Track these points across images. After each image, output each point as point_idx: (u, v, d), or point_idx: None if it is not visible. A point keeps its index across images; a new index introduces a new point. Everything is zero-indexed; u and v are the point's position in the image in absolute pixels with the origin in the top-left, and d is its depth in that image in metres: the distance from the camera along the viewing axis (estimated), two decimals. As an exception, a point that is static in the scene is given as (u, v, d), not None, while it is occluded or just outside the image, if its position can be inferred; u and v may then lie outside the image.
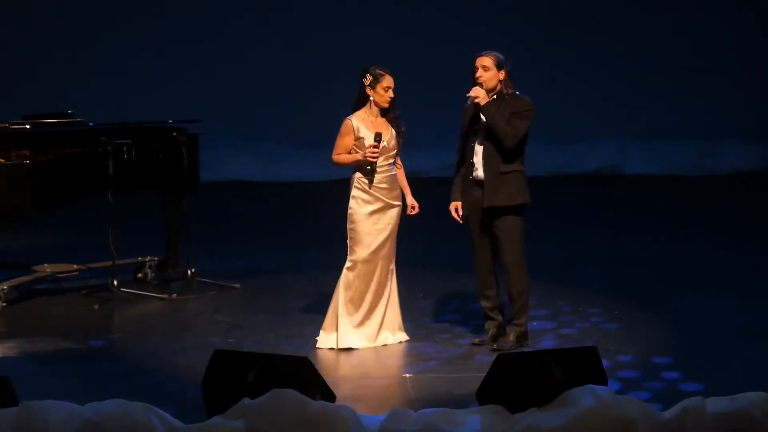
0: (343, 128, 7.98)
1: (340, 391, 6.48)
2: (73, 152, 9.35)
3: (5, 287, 9.15)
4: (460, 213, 7.89)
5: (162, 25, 16.24)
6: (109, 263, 9.42)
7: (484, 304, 7.98)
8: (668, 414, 5.58)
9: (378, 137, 7.87)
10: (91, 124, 9.80)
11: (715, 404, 5.61)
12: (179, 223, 10.03)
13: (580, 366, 5.72)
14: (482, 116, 7.73)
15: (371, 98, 7.95)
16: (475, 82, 7.77)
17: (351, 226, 7.99)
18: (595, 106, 16.57)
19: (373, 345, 7.99)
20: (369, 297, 7.99)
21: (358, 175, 7.99)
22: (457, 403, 6.27)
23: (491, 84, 7.76)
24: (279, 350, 7.71)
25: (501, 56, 7.80)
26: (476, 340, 8.02)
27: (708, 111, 16.62)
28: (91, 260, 9.99)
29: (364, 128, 7.94)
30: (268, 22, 16.43)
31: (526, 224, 7.85)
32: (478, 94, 7.71)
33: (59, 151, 9.32)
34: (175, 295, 9.47)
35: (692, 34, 16.85)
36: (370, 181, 7.95)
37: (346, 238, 8.01)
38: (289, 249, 11.40)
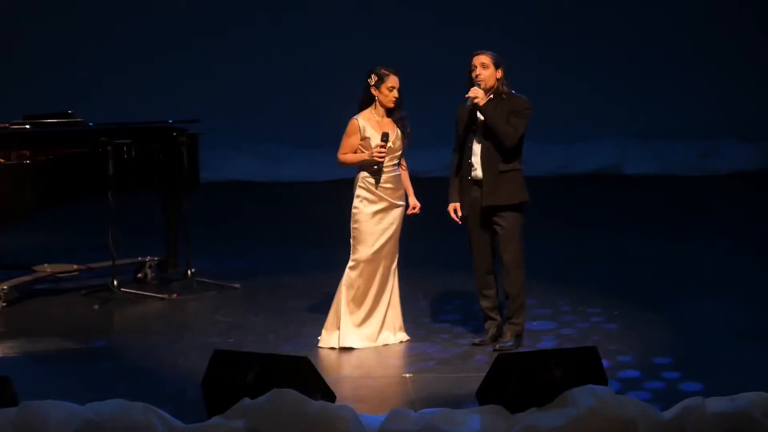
0: (349, 128, 7.99)
1: (340, 391, 6.48)
2: (73, 152, 9.34)
3: (5, 287, 9.15)
4: (459, 214, 7.89)
5: (162, 26, 16.23)
6: (109, 263, 9.42)
7: (484, 304, 7.98)
8: (668, 414, 5.58)
9: (385, 137, 7.88)
10: (91, 124, 9.80)
11: (715, 404, 5.61)
12: (179, 223, 10.02)
13: (580, 366, 5.73)
14: (481, 116, 7.73)
15: (376, 98, 7.96)
16: (472, 81, 7.77)
17: (355, 225, 7.99)
18: (595, 106, 16.57)
19: (373, 345, 8.00)
20: (371, 296, 8.00)
21: (363, 174, 7.99)
22: (457, 403, 6.28)
23: (489, 83, 7.77)
24: (279, 350, 7.71)
25: (497, 55, 7.81)
26: (476, 340, 8.02)
27: (708, 111, 16.62)
28: (91, 260, 9.99)
29: (370, 128, 7.95)
30: (269, 23, 16.43)
31: (525, 223, 7.86)
32: (477, 94, 7.71)
33: (59, 151, 9.31)
34: (175, 295, 9.47)
35: (692, 34, 16.84)
36: (376, 181, 7.96)
37: (350, 237, 8.02)
38: (289, 249, 11.39)
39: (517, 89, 7.88)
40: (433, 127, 12.84)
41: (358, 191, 7.99)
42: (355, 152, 7.98)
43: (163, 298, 9.39)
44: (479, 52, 7.81)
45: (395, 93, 7.94)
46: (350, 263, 8.00)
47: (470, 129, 7.81)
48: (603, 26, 16.82)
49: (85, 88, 15.47)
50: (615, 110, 16.67)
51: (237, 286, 9.70)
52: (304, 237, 12.01)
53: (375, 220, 7.97)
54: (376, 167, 7.94)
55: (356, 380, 7.37)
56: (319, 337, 8.07)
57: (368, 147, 7.93)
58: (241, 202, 14.68)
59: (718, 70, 16.86)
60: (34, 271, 9.71)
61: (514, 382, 5.67)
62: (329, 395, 5.71)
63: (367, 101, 8.01)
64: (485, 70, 7.76)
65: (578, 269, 10.48)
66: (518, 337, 7.88)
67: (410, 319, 8.37)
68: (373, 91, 7.95)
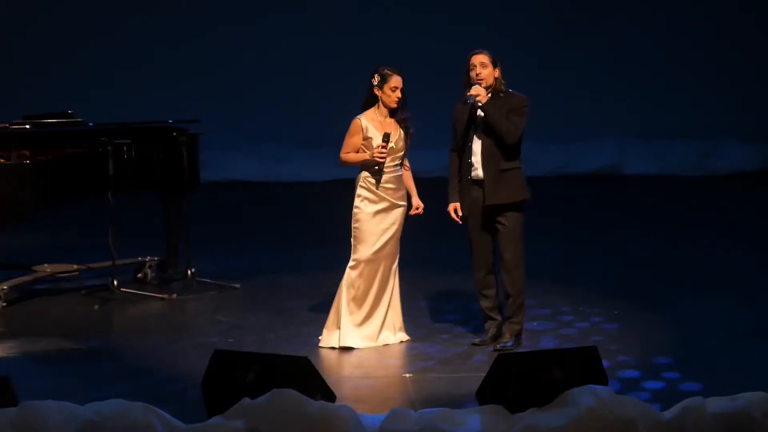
0: (352, 127, 7.99)
1: (340, 391, 6.48)
2: (73, 152, 9.34)
3: (5, 287, 9.15)
4: (459, 214, 7.89)
5: (163, 26, 16.24)
6: (109, 263, 9.42)
7: (484, 304, 7.98)
8: (668, 414, 5.58)
9: (386, 138, 7.88)
10: (91, 124, 9.80)
11: (715, 404, 5.61)
12: (179, 223, 10.02)
13: (580, 366, 5.73)
14: (482, 114, 7.72)
15: (379, 98, 7.96)
16: (471, 81, 7.76)
17: (355, 225, 8.00)
18: (595, 106, 16.57)
19: (373, 345, 8.00)
20: (371, 296, 8.00)
21: (364, 174, 7.99)
22: (457, 403, 6.28)
23: (489, 81, 7.77)
24: (279, 350, 7.71)
25: (494, 54, 7.81)
26: (476, 340, 8.02)
27: (708, 111, 16.62)
28: (91, 260, 9.99)
29: (373, 128, 7.95)
30: (269, 23, 16.43)
31: (525, 221, 7.86)
32: (479, 93, 7.71)
33: (59, 151, 9.31)
34: (175, 295, 9.47)
35: (692, 34, 16.84)
36: (377, 181, 7.96)
37: (350, 237, 8.02)
38: (289, 249, 11.40)
39: (518, 89, 7.88)
40: (433, 127, 12.85)
41: (359, 191, 8.00)
42: (358, 152, 7.99)
43: (163, 298, 9.39)
44: (477, 51, 7.81)
45: (398, 93, 7.93)
46: (351, 263, 8.01)
47: (470, 128, 7.81)
48: (603, 26, 16.83)
49: (85, 88, 15.47)
50: (615, 110, 16.67)
51: (237, 286, 9.70)
52: (304, 237, 12.01)
53: (376, 220, 7.97)
54: (377, 167, 7.94)
55: (356, 380, 7.37)
56: (319, 337, 8.07)
57: (370, 147, 7.93)
58: (241, 202, 14.68)
59: (718, 70, 16.86)
60: (34, 271, 9.71)
61: (514, 382, 5.67)
62: (329, 395, 5.71)
63: (370, 101, 8.01)
64: (485, 69, 7.76)
65: (578, 269, 10.49)
66: (517, 336, 7.88)
67: (410, 319, 8.38)
68: (376, 91, 7.96)
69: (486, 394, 5.71)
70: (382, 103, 7.97)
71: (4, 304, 9.07)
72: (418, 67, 14.37)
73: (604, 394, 5.54)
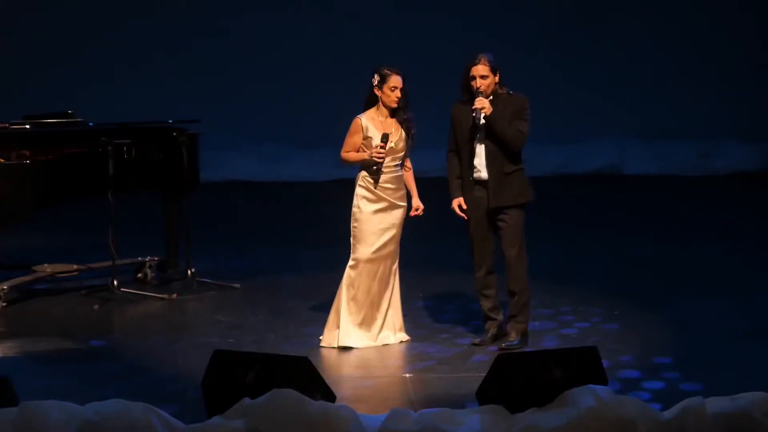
0: (353, 126, 8.00)
1: (340, 391, 6.49)
2: (73, 152, 9.35)
3: (5, 287, 9.15)
4: (464, 208, 7.86)
5: (162, 26, 16.23)
6: (109, 263, 9.42)
7: (484, 304, 7.98)
8: (668, 414, 5.58)
9: (385, 138, 7.89)
10: (91, 124, 9.80)
11: (715, 404, 5.61)
12: (179, 223, 10.02)
13: (580, 366, 5.73)
14: (483, 121, 7.72)
15: (379, 98, 7.97)
16: (471, 89, 7.74)
17: (355, 225, 8.00)
18: (595, 106, 16.56)
19: (373, 344, 8.00)
20: (371, 296, 8.00)
21: (363, 173, 8.00)
22: (457, 403, 6.28)
23: (490, 90, 7.77)
24: (279, 350, 7.71)
25: (492, 58, 7.78)
26: (476, 340, 8.02)
27: (708, 111, 16.61)
28: (91, 260, 9.99)
29: (373, 128, 7.95)
30: (269, 23, 16.42)
31: (526, 220, 7.87)
32: (484, 105, 7.70)
33: (59, 151, 9.32)
34: (175, 295, 9.47)
35: (692, 34, 16.84)
36: (376, 181, 7.96)
37: (350, 237, 8.02)
38: (289, 249, 11.39)
39: (518, 89, 7.88)
40: (433, 127, 12.85)
41: (359, 190, 8.00)
42: (358, 151, 8.00)
43: (163, 298, 9.39)
44: (476, 61, 7.75)
45: (398, 93, 7.93)
46: (350, 262, 8.01)
47: (473, 133, 7.80)
48: (603, 26, 16.82)
49: (85, 88, 15.47)
50: (615, 110, 16.66)
51: (237, 286, 9.70)
52: (304, 237, 12.01)
53: (375, 219, 7.97)
54: (376, 167, 7.94)
55: (356, 380, 7.37)
56: (320, 337, 8.07)
57: (369, 146, 7.94)
58: (241, 202, 14.68)
59: (718, 70, 16.85)
60: (34, 271, 9.71)
61: (514, 382, 5.67)
62: (329, 395, 5.71)
63: (371, 101, 8.02)
64: (485, 80, 7.75)
65: (578, 269, 10.48)
66: (524, 335, 7.89)
67: (410, 319, 8.38)
68: (376, 91, 7.96)
69: (486, 394, 5.71)
70: (382, 102, 7.97)
71: (4, 304, 9.07)
72: (418, 67, 14.33)
73: (604, 394, 5.55)
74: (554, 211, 13.12)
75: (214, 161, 14.97)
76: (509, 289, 7.87)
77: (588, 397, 5.50)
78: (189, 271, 9.77)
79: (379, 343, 8.03)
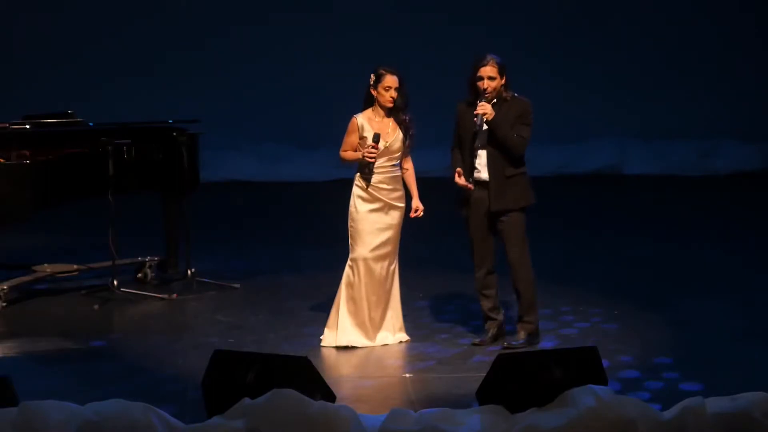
0: (350, 126, 8.02)
1: (340, 391, 6.49)
2: (73, 152, 9.34)
3: (5, 287, 9.15)
4: (462, 175, 7.78)
5: (162, 26, 16.23)
6: (109, 263, 9.42)
7: (484, 304, 7.98)
8: (668, 414, 5.59)
9: (376, 138, 7.89)
10: (91, 124, 9.80)
11: (715, 404, 5.61)
12: (179, 223, 10.02)
13: (580, 366, 5.73)
14: (486, 126, 7.71)
15: (375, 98, 7.97)
16: (478, 90, 7.72)
17: (351, 224, 8.01)
18: (595, 106, 16.56)
19: (372, 344, 8.00)
20: (369, 296, 8.00)
21: (359, 173, 8.00)
22: (457, 403, 6.28)
23: (496, 92, 7.75)
24: (279, 350, 7.71)
25: (500, 60, 7.77)
26: (476, 340, 8.02)
27: (708, 111, 16.61)
28: (91, 260, 9.99)
29: (369, 127, 7.96)
30: (269, 23, 16.42)
31: (527, 222, 7.87)
32: (486, 111, 7.69)
33: (59, 151, 9.31)
34: (175, 295, 9.47)
35: (692, 34, 16.84)
36: (370, 181, 7.97)
37: (348, 237, 8.03)
38: (289, 249, 11.39)
39: (518, 89, 7.87)
40: (433, 127, 12.85)
41: (355, 190, 8.02)
42: (355, 150, 8.01)
43: (163, 298, 9.39)
44: (485, 62, 7.73)
45: (392, 93, 7.93)
46: (348, 262, 8.02)
47: (475, 136, 7.78)
48: (603, 26, 16.82)
49: (85, 88, 15.47)
50: (615, 110, 16.66)
51: (237, 286, 9.70)
52: (304, 237, 12.01)
53: (371, 219, 7.97)
54: (369, 167, 7.94)
55: (356, 380, 7.37)
56: (321, 337, 8.08)
57: (364, 146, 7.94)
58: (241, 202, 14.68)
59: (718, 70, 16.85)
60: (34, 271, 9.71)
61: (514, 382, 5.67)
62: (329, 395, 5.71)
63: (368, 101, 8.03)
64: (492, 81, 7.73)
65: (578, 269, 10.49)
66: (531, 335, 7.89)
67: (410, 319, 8.38)
68: (372, 90, 7.97)
69: (486, 394, 5.71)
70: (377, 102, 7.98)
71: (4, 304, 9.07)
72: (418, 67, 14.36)
73: (604, 394, 5.55)
74: (554, 211, 13.12)
75: (214, 161, 14.97)
76: (515, 289, 7.88)
77: (588, 397, 5.50)
78: (189, 271, 9.77)
79: (378, 343, 8.03)
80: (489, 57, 7.75)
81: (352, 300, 7.99)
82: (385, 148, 7.95)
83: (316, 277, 9.89)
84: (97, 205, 9.44)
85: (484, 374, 5.75)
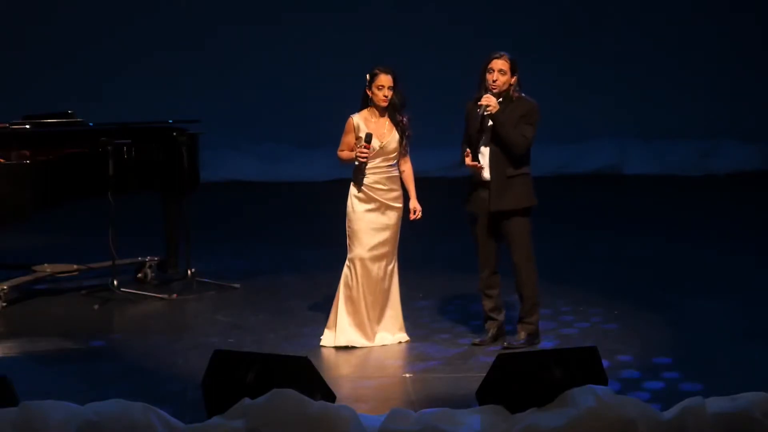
0: (346, 125, 8.03)
1: (340, 391, 6.48)
2: (73, 152, 9.34)
3: (5, 287, 9.15)
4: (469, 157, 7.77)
5: (162, 26, 16.23)
6: (109, 263, 9.42)
7: (486, 304, 7.97)
8: (668, 414, 5.59)
9: (368, 138, 7.89)
10: (91, 124, 9.80)
11: (715, 404, 5.61)
12: (179, 223, 10.02)
13: (580, 366, 5.73)
14: (490, 122, 7.70)
15: (370, 98, 7.98)
16: (483, 84, 7.72)
17: (348, 224, 8.02)
18: (595, 106, 16.56)
19: (370, 344, 8.00)
20: (367, 296, 7.99)
21: (355, 173, 8.01)
22: (457, 403, 6.27)
23: (503, 88, 7.73)
24: (279, 350, 7.71)
25: (513, 57, 7.75)
26: (476, 340, 8.02)
27: (708, 111, 16.61)
28: (91, 260, 9.98)
29: (364, 127, 7.96)
30: (269, 23, 16.42)
31: (531, 224, 7.86)
32: (490, 103, 7.68)
33: (59, 151, 9.31)
34: (175, 295, 9.47)
35: (692, 34, 16.84)
36: (366, 181, 7.97)
37: (346, 237, 8.04)
38: (289, 249, 11.39)
39: (522, 90, 7.85)
40: (433, 127, 12.85)
41: (351, 190, 8.03)
42: (351, 150, 8.02)
43: (163, 298, 9.39)
44: (499, 55, 7.73)
45: (385, 92, 7.92)
46: (346, 262, 8.03)
47: (480, 134, 7.78)
48: (603, 26, 16.82)
49: (85, 88, 15.47)
50: (615, 110, 16.66)
51: (237, 286, 9.70)
52: (304, 237, 12.00)
53: (368, 219, 7.97)
54: (363, 167, 7.95)
55: (356, 380, 7.37)
56: (321, 337, 8.08)
57: (359, 146, 7.94)
58: (241, 202, 14.68)
59: (718, 70, 16.85)
60: (34, 271, 9.71)
61: (514, 382, 5.67)
62: (329, 395, 5.71)
63: (365, 101, 8.03)
64: (502, 76, 7.71)
65: (578, 269, 10.49)
66: (531, 336, 7.89)
67: (410, 319, 8.38)
68: (368, 90, 7.98)
69: (486, 394, 5.71)
70: (371, 102, 7.98)
71: (4, 304, 9.07)
72: (418, 67, 14.38)
73: (604, 394, 5.55)
74: (554, 211, 13.11)
75: (214, 161, 14.96)
76: (518, 292, 7.88)
77: (588, 397, 5.50)
78: (189, 271, 9.77)
79: (377, 343, 8.03)
80: (503, 53, 7.75)
81: (351, 300, 7.99)
82: (381, 148, 7.94)
83: (316, 277, 9.89)
84: (97, 205, 9.44)
85: (484, 374, 5.75)
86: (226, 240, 11.85)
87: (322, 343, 8.01)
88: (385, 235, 7.99)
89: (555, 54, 16.54)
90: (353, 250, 7.99)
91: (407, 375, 7.43)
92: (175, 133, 9.88)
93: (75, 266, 9.93)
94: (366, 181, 7.96)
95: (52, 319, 8.90)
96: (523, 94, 7.79)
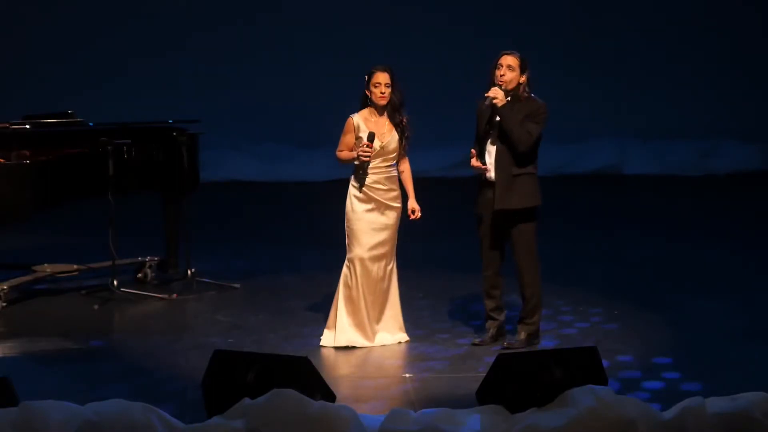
0: (346, 125, 8.03)
1: (340, 391, 6.49)
2: (73, 152, 9.34)
3: (5, 287, 9.15)
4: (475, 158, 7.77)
5: (162, 26, 16.23)
6: (109, 263, 9.42)
7: (488, 303, 7.97)
8: (668, 414, 5.59)
9: (371, 137, 7.88)
10: (91, 124, 9.80)
11: (715, 404, 5.62)
12: (179, 223, 10.02)
13: (580, 366, 5.73)
14: (497, 117, 7.69)
15: (369, 97, 7.98)
16: (493, 82, 7.72)
17: (348, 224, 8.02)
18: (595, 106, 16.56)
19: (370, 344, 8.00)
20: (366, 296, 7.99)
21: (354, 173, 8.00)
22: (457, 403, 6.27)
23: (511, 85, 7.72)
24: (279, 350, 7.72)
25: (526, 59, 7.76)
26: (476, 340, 8.02)
27: (708, 111, 16.61)
28: (91, 260, 9.98)
29: (364, 127, 7.96)
30: (268, 23, 16.42)
31: (538, 225, 7.85)
32: (497, 95, 7.66)
33: (59, 151, 9.31)
34: (175, 295, 9.47)
35: (692, 34, 16.84)
36: (366, 181, 7.96)
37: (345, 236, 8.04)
38: (289, 249, 11.39)
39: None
40: (431, 128, 12.85)
41: (351, 189, 8.03)
42: (351, 150, 8.01)
43: (163, 298, 9.39)
44: (509, 52, 7.75)
45: (382, 89, 7.91)
46: (345, 262, 8.03)
47: (487, 131, 7.77)
48: (603, 26, 16.82)
49: (85, 88, 15.47)
50: (615, 110, 16.66)
51: (237, 286, 9.70)
52: (304, 237, 12.01)
53: (367, 219, 7.97)
54: (364, 167, 7.94)
55: (356, 380, 7.37)
56: (321, 337, 8.08)
57: (359, 146, 7.94)
58: (241, 202, 14.68)
59: (718, 70, 16.85)
60: (34, 271, 9.71)
61: (514, 382, 5.67)
62: (329, 395, 5.71)
63: (364, 100, 8.03)
64: (511, 72, 7.71)
65: (578, 269, 10.49)
66: (531, 336, 7.89)
67: (410, 319, 8.37)
68: (366, 90, 7.97)
69: (486, 394, 5.72)
70: (371, 101, 7.97)
71: (4, 304, 9.07)
72: (418, 67, 14.38)
73: (604, 394, 5.55)
74: (554, 211, 13.09)
75: (214, 161, 14.96)
76: (521, 292, 7.88)
77: (588, 397, 5.50)
78: (189, 271, 9.77)
79: (377, 343, 8.03)
80: (514, 51, 7.75)
81: (350, 300, 7.99)
82: (381, 148, 7.94)
83: (316, 277, 9.89)
84: (97, 205, 9.44)
85: (484, 374, 5.75)
86: (226, 240, 11.85)
87: (321, 343, 8.02)
88: (384, 235, 7.99)
89: (555, 54, 16.53)
90: (352, 250, 7.99)
91: (407, 375, 7.43)
92: (175, 133, 9.89)
93: (75, 266, 9.93)
94: (366, 181, 7.96)
95: (52, 319, 8.90)
96: (532, 95, 7.79)
